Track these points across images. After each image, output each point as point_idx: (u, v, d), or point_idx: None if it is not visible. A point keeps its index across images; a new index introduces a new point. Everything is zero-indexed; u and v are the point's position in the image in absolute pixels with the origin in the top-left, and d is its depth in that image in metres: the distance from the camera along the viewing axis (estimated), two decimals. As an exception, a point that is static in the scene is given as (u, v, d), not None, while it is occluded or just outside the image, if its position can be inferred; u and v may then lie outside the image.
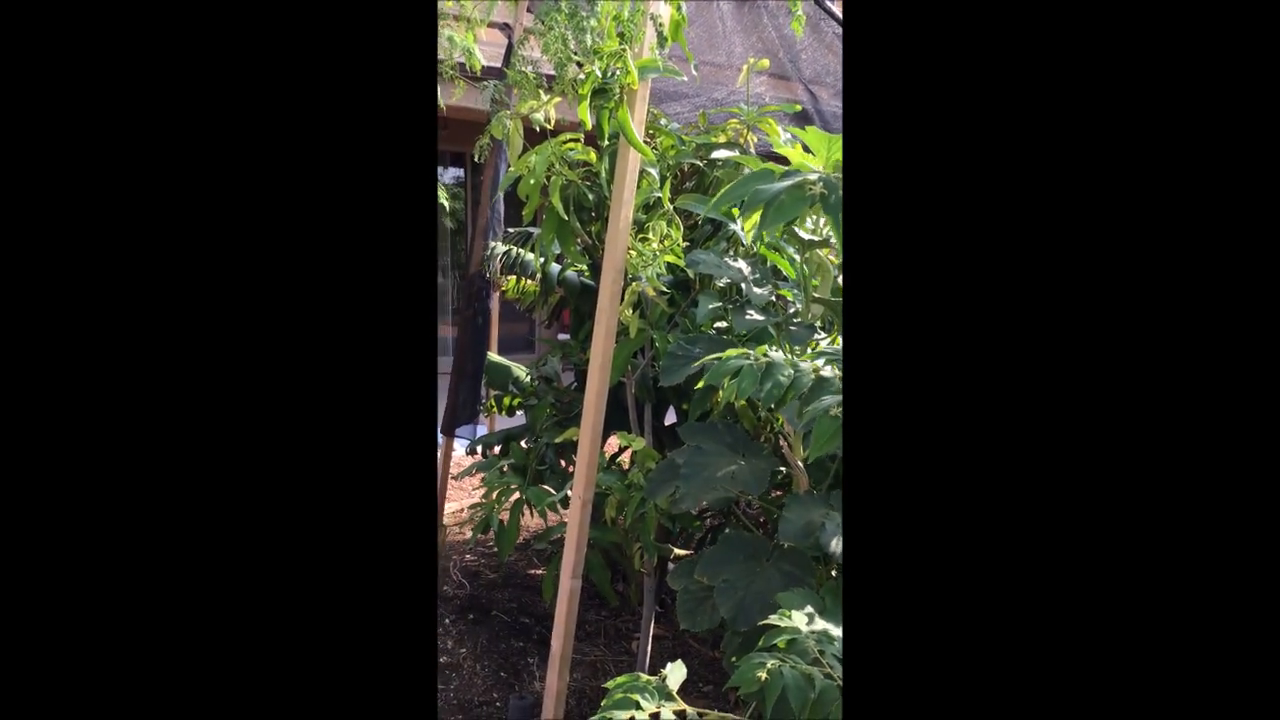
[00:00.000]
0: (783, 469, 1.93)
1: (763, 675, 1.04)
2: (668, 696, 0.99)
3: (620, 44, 1.80)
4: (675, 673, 1.03)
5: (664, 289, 2.16)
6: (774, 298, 1.93)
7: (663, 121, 2.64)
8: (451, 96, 2.20)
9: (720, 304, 2.09)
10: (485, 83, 2.12)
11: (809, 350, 1.69)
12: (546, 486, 2.60)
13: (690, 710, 0.99)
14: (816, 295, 1.89)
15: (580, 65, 1.79)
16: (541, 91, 1.94)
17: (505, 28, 2.67)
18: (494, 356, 3.29)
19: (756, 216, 1.24)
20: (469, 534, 3.19)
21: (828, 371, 1.30)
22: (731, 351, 1.38)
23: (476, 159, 2.31)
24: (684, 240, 2.22)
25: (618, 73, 1.84)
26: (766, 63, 2.40)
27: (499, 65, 2.60)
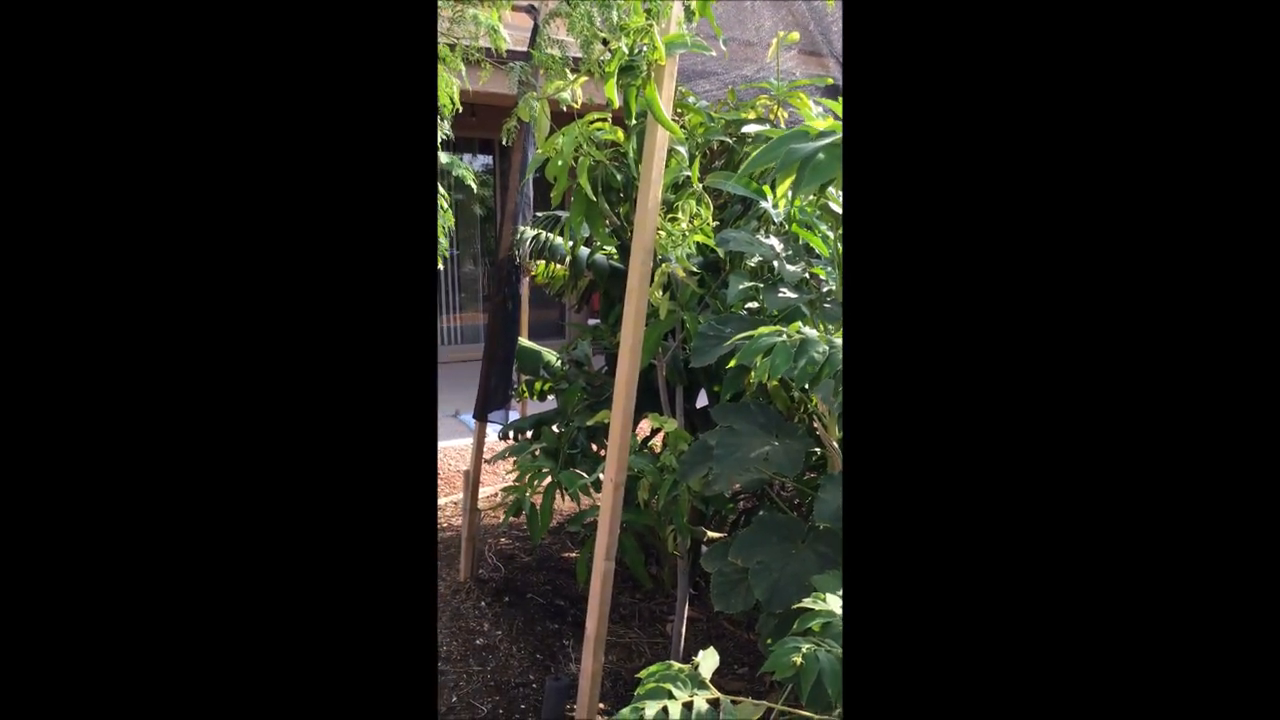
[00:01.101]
0: (817, 450, 1.90)
1: (797, 660, 1.02)
2: (701, 685, 0.97)
3: (647, 20, 1.76)
4: (708, 660, 1.02)
5: (694, 269, 2.13)
6: (807, 275, 1.89)
7: (691, 99, 2.60)
8: (478, 81, 2.18)
9: (752, 283, 2.05)
10: (511, 65, 2.09)
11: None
12: (578, 470, 2.59)
13: (725, 698, 0.97)
14: (850, 273, 1.84)
15: (606, 43, 1.76)
16: (568, 71, 1.92)
17: (531, 9, 2.64)
18: (525, 342, 3.29)
19: (790, 181, 1.21)
20: (502, 517, 3.21)
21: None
22: (764, 330, 1.35)
23: (504, 142, 2.30)
24: (714, 219, 2.19)
25: (645, 49, 1.81)
26: (796, 36, 2.34)
27: (525, 49, 2.58)
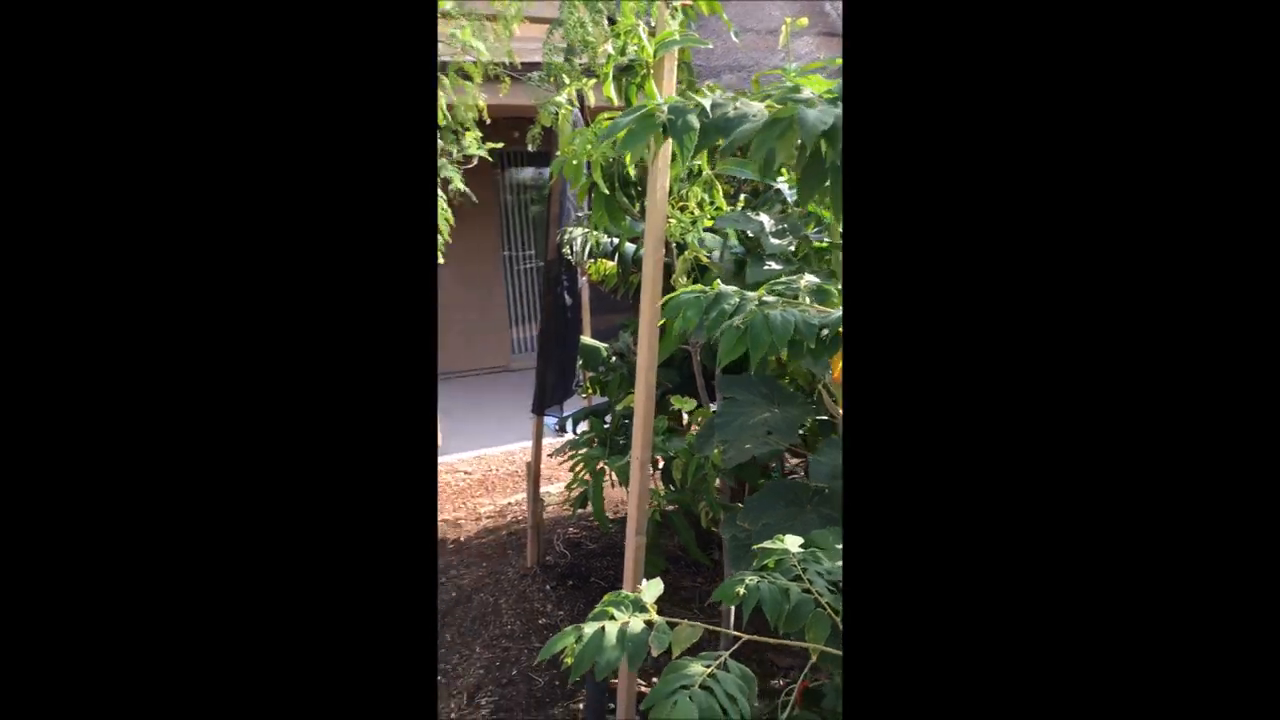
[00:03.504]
0: (824, 417, 1.95)
1: (741, 590, 1.10)
2: (641, 608, 1.07)
3: (635, 21, 1.87)
4: (652, 589, 1.11)
5: (707, 255, 2.22)
6: (792, 248, 1.95)
7: (717, 94, 2.68)
8: (499, 94, 2.34)
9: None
10: (529, 77, 2.25)
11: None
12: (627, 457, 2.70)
13: (660, 619, 1.06)
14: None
15: (596, 46, 1.88)
16: (564, 77, 2.05)
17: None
18: (587, 339, 3.43)
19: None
20: (572, 510, 3.36)
21: (772, 299, 1.33)
22: (685, 287, 1.44)
23: (529, 148, 2.45)
24: (743, 206, 2.25)
25: (638, 49, 1.92)
26: (805, 21, 2.39)
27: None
